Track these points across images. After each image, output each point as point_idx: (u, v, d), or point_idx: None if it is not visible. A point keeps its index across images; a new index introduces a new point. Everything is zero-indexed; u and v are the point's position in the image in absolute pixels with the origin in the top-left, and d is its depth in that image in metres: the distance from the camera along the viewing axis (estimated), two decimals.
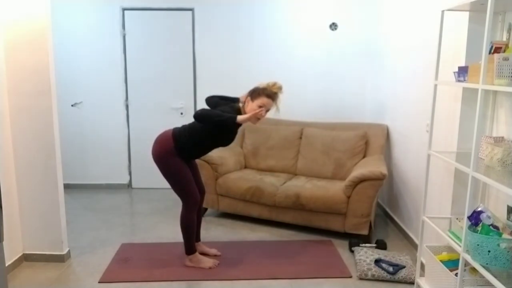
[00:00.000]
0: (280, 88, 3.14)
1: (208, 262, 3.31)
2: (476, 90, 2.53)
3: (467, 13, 2.64)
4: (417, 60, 3.71)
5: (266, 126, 4.73)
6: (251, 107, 3.09)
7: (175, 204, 4.75)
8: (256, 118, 3.04)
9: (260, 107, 3.05)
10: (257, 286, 3.05)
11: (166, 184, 3.20)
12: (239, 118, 2.96)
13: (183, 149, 3.11)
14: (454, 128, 2.80)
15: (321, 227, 3.88)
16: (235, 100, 3.27)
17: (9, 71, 3.15)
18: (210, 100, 3.32)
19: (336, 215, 3.77)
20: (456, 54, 2.81)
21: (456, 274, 2.31)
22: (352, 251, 3.57)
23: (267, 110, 3.11)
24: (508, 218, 2.30)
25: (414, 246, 3.61)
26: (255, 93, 3.11)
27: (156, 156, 3.14)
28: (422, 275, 2.90)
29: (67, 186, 4.96)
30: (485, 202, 2.59)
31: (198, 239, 3.49)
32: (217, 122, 2.96)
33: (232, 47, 5.13)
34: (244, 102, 3.17)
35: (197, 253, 3.33)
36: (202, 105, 5.14)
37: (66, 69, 5.19)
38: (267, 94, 3.09)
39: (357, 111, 5.13)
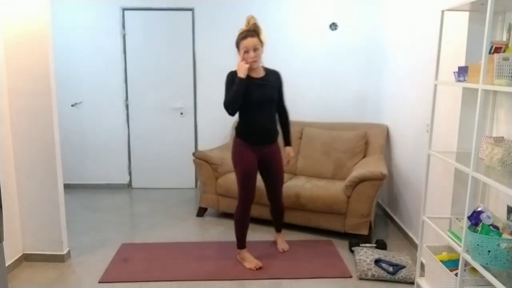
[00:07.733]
0: (250, 20, 3.08)
1: (250, 262, 3.27)
2: (476, 90, 2.53)
3: (467, 13, 2.64)
4: (417, 60, 3.71)
5: None
6: (239, 59, 3.10)
7: (175, 204, 4.75)
8: (247, 61, 3.05)
9: (245, 52, 3.05)
10: (257, 286, 3.05)
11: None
12: (239, 74, 3.01)
13: (244, 132, 3.16)
14: (454, 128, 2.80)
15: (321, 227, 3.88)
16: None
17: (9, 71, 3.15)
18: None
19: (336, 215, 3.77)
20: (456, 54, 2.81)
21: (456, 274, 2.31)
22: (352, 251, 3.57)
23: (255, 49, 3.06)
24: (508, 218, 2.30)
25: (414, 246, 3.61)
26: (236, 45, 3.12)
27: (231, 153, 3.23)
28: (422, 275, 2.89)
29: (67, 186, 4.96)
30: (485, 202, 2.59)
31: (277, 229, 3.63)
32: (235, 98, 3.01)
33: (232, 47, 5.08)
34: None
35: (244, 250, 3.30)
36: (202, 104, 5.18)
37: (66, 69, 5.19)
38: (242, 36, 3.06)
39: (357, 111, 5.13)
